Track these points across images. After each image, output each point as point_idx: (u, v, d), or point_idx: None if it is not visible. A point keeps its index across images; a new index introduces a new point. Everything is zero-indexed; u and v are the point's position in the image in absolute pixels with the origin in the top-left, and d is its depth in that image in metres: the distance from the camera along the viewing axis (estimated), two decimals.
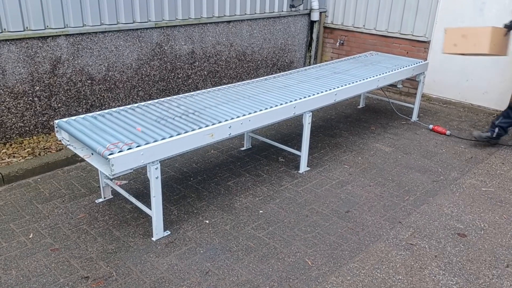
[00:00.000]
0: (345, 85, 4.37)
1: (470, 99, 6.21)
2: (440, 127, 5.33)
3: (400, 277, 2.86)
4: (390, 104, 6.30)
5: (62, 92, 4.69)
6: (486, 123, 5.66)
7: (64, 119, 3.23)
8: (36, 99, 4.52)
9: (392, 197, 3.82)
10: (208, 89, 4.11)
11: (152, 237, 3.16)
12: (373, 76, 4.71)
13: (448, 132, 5.23)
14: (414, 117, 5.70)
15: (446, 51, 4.70)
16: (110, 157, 2.67)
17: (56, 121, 3.19)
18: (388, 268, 2.94)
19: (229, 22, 6.03)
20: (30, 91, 4.46)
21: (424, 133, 5.29)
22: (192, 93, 3.99)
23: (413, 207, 3.68)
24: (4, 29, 4.12)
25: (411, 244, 3.20)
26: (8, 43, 4.17)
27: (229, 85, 4.26)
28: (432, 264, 2.99)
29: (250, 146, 4.77)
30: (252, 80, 4.48)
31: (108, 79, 5.02)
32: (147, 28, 5.16)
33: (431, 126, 5.37)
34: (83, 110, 4.92)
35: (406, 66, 5.19)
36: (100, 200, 3.62)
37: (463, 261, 3.03)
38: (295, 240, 3.19)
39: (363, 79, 4.59)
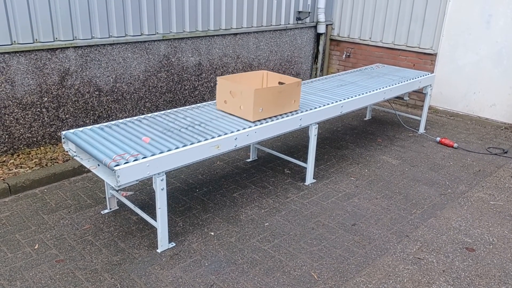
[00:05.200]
0: (352, 97, 4.36)
1: (478, 111, 6.18)
2: (448, 139, 5.29)
3: None
4: (397, 116, 6.28)
5: (70, 103, 4.73)
6: (494, 136, 5.62)
7: (71, 130, 3.25)
8: (44, 110, 4.56)
9: (399, 210, 3.79)
10: (215, 101, 4.12)
11: (157, 249, 3.15)
12: (380, 88, 4.71)
13: (455, 145, 5.20)
14: (421, 130, 5.67)
15: (218, 107, 3.77)
16: (116, 168, 2.67)
17: (63, 132, 3.21)
18: (395, 282, 2.90)
19: (235, 34, 6.08)
20: (38, 102, 4.50)
21: (431, 146, 5.26)
22: (198, 104, 4.00)
23: (421, 220, 3.64)
24: (14, 41, 4.18)
25: (418, 258, 3.15)
26: (18, 55, 4.23)
27: None
28: (440, 279, 2.94)
29: (256, 158, 4.77)
30: None
31: (116, 90, 5.06)
32: (154, 41, 5.21)
33: (438, 139, 5.34)
34: (91, 121, 4.95)
35: (412, 79, 5.19)
36: (106, 211, 3.62)
37: (471, 276, 2.98)
38: (301, 253, 3.16)
39: (370, 91, 4.58)
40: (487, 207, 3.89)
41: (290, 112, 3.78)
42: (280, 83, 3.87)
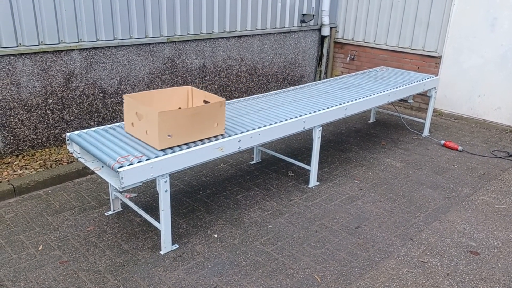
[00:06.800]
0: (356, 99, 4.36)
1: (482, 114, 6.15)
2: (452, 142, 5.27)
3: None
4: (401, 119, 6.26)
5: (75, 105, 4.75)
6: (499, 139, 5.59)
7: (76, 132, 3.26)
8: (49, 112, 4.58)
9: (403, 213, 3.77)
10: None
11: (161, 250, 3.15)
12: (384, 91, 4.70)
13: (460, 148, 5.18)
14: (426, 132, 5.65)
15: (126, 130, 3.26)
16: (119, 170, 2.68)
17: (68, 134, 3.23)
18: (399, 286, 2.88)
19: (240, 37, 6.09)
20: (43, 104, 4.52)
21: (436, 149, 5.24)
22: None
23: (425, 223, 3.63)
24: (20, 43, 4.21)
25: (422, 261, 3.14)
26: (23, 57, 4.25)
27: (239, 99, 4.28)
28: (444, 283, 2.93)
29: (260, 160, 4.77)
30: (262, 94, 4.49)
31: (120, 92, 5.08)
32: (159, 43, 5.23)
33: (442, 142, 5.32)
34: (95, 123, 4.97)
35: (417, 81, 5.17)
36: (110, 212, 3.63)
37: (476, 279, 2.97)
38: (304, 256, 3.16)
39: (374, 94, 4.58)
40: (492, 210, 3.87)
41: (208, 138, 3.18)
42: (205, 101, 3.35)
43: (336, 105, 4.14)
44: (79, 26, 4.54)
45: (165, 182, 2.94)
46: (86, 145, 3.05)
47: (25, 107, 4.41)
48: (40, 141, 4.61)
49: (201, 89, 5.86)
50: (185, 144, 3.08)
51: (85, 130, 3.31)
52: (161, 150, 2.96)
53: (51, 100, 4.57)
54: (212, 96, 3.30)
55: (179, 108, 3.39)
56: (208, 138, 3.19)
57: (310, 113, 3.90)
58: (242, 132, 3.36)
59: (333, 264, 3.07)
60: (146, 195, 3.95)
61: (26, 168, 4.20)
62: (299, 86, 4.90)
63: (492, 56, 5.87)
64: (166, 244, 3.14)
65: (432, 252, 3.25)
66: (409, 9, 6.46)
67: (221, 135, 3.26)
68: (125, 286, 2.80)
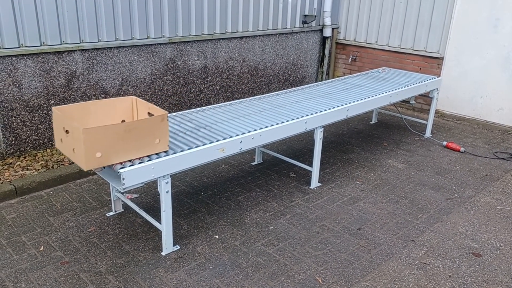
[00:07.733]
0: (357, 100, 4.35)
1: (485, 115, 6.13)
2: (454, 143, 5.26)
3: None
4: (403, 120, 6.25)
5: None
6: (501, 140, 5.58)
7: None
8: (50, 112, 4.59)
9: (405, 215, 3.76)
10: (220, 104, 4.13)
11: (162, 251, 3.15)
12: (386, 92, 4.69)
13: (462, 149, 5.16)
14: (428, 134, 5.64)
15: (57, 146, 2.96)
16: (121, 171, 2.68)
17: None
18: (401, 287, 2.87)
19: (241, 38, 6.09)
20: (45, 105, 4.53)
21: (438, 150, 5.22)
22: (204, 107, 4.01)
23: (427, 225, 3.62)
24: (22, 44, 4.21)
25: (424, 263, 3.13)
26: (25, 57, 4.26)
27: (241, 100, 4.28)
28: (446, 285, 2.91)
29: (261, 161, 4.76)
30: (264, 95, 4.49)
31: (122, 93, 5.08)
32: (160, 44, 5.23)
33: (444, 143, 5.31)
34: None
35: (419, 82, 5.16)
36: (111, 213, 3.63)
37: (478, 281, 2.95)
38: (305, 257, 3.15)
39: (376, 95, 4.57)
40: (494, 212, 3.86)
41: (152, 155, 2.88)
42: (149, 114, 3.06)
43: (338, 106, 4.14)
44: (81, 27, 4.55)
45: (167, 183, 2.94)
46: None
47: (27, 108, 4.41)
48: (41, 141, 4.62)
49: (202, 90, 5.86)
50: (120, 163, 2.75)
51: None
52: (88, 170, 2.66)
53: (52, 101, 4.57)
54: (156, 108, 2.97)
55: (123, 120, 3.17)
56: (148, 156, 2.87)
57: (312, 114, 3.89)
58: (243, 133, 3.36)
59: (335, 266, 3.07)
60: (148, 196, 3.95)
61: (27, 169, 4.20)
62: (301, 87, 4.89)
63: (495, 57, 5.86)
64: (167, 245, 3.14)
65: (434, 254, 3.23)
66: (411, 10, 6.45)
67: (165, 151, 2.94)
68: (126, 287, 2.80)
